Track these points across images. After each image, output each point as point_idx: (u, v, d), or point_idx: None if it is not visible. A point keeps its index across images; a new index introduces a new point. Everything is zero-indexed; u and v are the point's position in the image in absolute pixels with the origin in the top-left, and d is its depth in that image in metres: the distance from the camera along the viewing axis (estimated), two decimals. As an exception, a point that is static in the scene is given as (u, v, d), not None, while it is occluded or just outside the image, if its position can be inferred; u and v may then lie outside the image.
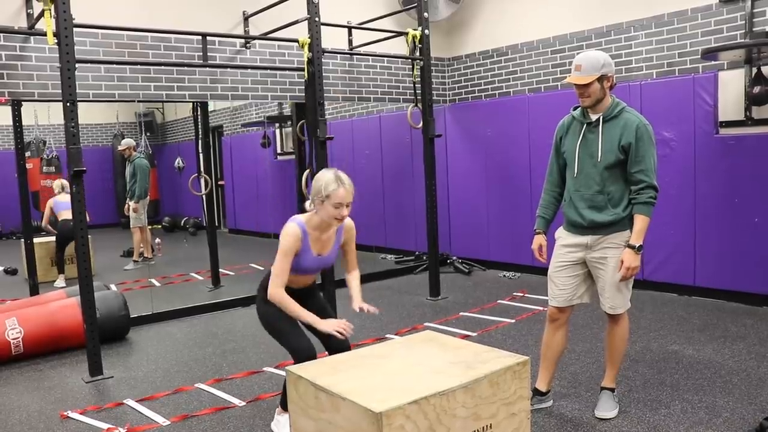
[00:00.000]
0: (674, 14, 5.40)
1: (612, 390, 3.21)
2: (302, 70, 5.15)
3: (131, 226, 7.76)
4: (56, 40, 3.85)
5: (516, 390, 2.31)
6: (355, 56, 6.24)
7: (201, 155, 7.01)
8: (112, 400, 3.67)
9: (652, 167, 2.95)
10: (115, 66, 4.87)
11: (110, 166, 9.82)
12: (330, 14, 5.43)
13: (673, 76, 5.43)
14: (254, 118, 9.13)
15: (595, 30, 5.97)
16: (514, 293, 5.86)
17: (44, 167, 8.69)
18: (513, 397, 2.30)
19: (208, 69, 5.32)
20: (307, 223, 2.83)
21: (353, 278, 3.07)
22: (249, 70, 5.55)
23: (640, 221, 2.95)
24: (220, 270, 6.79)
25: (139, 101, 5.25)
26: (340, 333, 2.73)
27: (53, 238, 7.03)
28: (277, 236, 2.82)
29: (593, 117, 3.05)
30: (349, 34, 6.20)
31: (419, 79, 5.84)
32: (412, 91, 6.02)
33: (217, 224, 7.06)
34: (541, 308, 5.17)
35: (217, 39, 5.40)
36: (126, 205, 7.86)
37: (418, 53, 5.81)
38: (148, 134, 9.24)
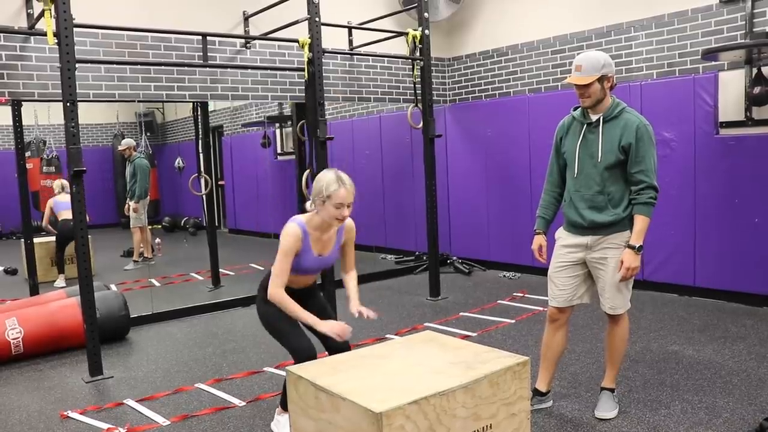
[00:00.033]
0: (674, 15, 5.40)
1: (612, 390, 3.21)
2: (302, 70, 5.15)
3: (131, 226, 7.76)
4: (56, 40, 3.85)
5: (516, 390, 2.31)
6: (355, 56, 6.24)
7: (201, 155, 7.01)
8: (112, 400, 3.68)
9: (653, 167, 2.95)
10: (115, 66, 4.87)
11: (110, 166, 9.83)
12: (330, 14, 5.43)
13: (674, 77, 5.43)
14: (254, 118, 9.13)
15: (596, 30, 5.97)
16: (514, 293, 5.86)
17: (44, 167, 8.69)
18: (513, 398, 2.30)
19: (208, 69, 5.32)
20: (307, 224, 2.82)
21: (350, 279, 3.06)
22: (249, 70, 5.55)
23: (640, 221, 2.95)
24: (220, 270, 6.79)
25: (139, 101, 5.25)
26: (339, 335, 2.74)
27: (53, 238, 7.03)
28: (277, 236, 2.82)
29: (593, 117, 3.05)
30: (350, 34, 6.21)
31: (419, 79, 5.84)
32: (413, 92, 6.02)
33: (217, 224, 7.06)
34: (541, 308, 5.17)
35: (217, 39, 5.40)
36: (126, 205, 7.86)
37: (418, 53, 5.81)
38: (148, 134, 9.25)
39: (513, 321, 4.98)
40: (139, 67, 4.99)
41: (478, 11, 7.01)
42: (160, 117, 9.92)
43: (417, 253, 7.60)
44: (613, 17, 5.82)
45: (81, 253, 4.01)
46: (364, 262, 7.46)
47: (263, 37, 5.47)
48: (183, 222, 9.71)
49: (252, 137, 9.22)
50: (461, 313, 5.29)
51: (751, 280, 5.01)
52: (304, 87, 5.27)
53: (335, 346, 2.83)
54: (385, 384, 2.18)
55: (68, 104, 3.91)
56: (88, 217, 4.06)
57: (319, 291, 3.13)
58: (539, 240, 3.27)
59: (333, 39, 5.79)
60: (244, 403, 3.54)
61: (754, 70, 4.89)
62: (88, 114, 8.04)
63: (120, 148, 7.99)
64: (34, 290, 5.94)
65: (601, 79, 2.94)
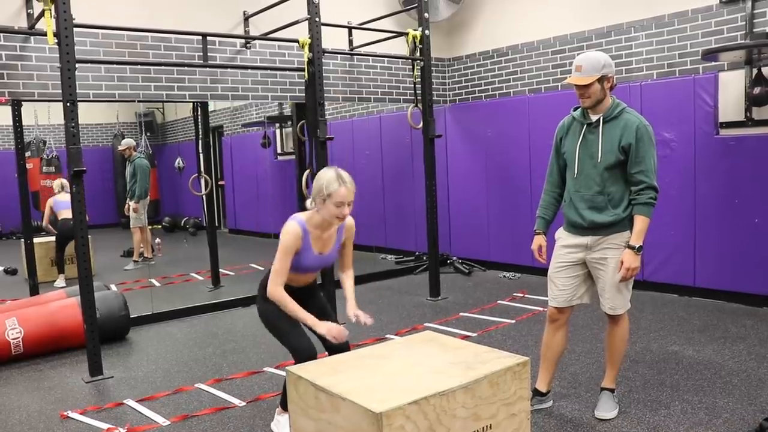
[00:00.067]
0: (675, 15, 5.40)
1: (612, 390, 3.21)
2: (302, 70, 5.15)
3: (131, 226, 7.76)
4: (56, 40, 3.85)
5: (516, 390, 2.31)
6: (355, 56, 6.24)
7: (201, 155, 7.01)
8: (112, 400, 3.67)
9: (652, 168, 2.95)
10: (115, 66, 4.87)
11: (110, 166, 9.83)
12: (330, 14, 5.43)
13: (674, 77, 5.43)
14: (254, 119, 9.13)
15: (596, 30, 5.97)
16: (514, 294, 5.86)
17: (44, 167, 8.69)
18: (513, 398, 2.30)
19: (208, 69, 5.32)
20: (307, 222, 2.82)
21: (348, 278, 3.07)
22: (249, 71, 5.55)
23: (640, 222, 2.95)
24: (220, 270, 6.79)
25: (139, 101, 5.25)
26: (336, 338, 2.75)
27: (53, 238, 7.03)
28: (277, 236, 2.82)
29: (593, 118, 3.05)
30: (350, 34, 6.21)
31: (419, 79, 5.84)
32: (413, 92, 6.02)
33: (217, 224, 7.06)
34: (541, 309, 5.17)
35: (217, 39, 5.40)
36: (126, 205, 7.87)
37: (418, 53, 5.81)
38: (148, 134, 9.25)
39: (513, 321, 4.98)
40: (139, 67, 4.99)
41: (478, 11, 7.01)
42: (160, 117, 9.93)
43: (417, 253, 7.60)
44: (613, 17, 5.82)
45: (81, 253, 4.01)
46: (364, 262, 7.47)
47: (263, 37, 5.47)
48: (183, 222, 9.71)
49: (252, 137, 9.22)
50: (461, 314, 5.29)
51: (751, 281, 5.01)
52: (304, 87, 5.27)
53: (335, 347, 2.83)
54: (385, 384, 2.18)
55: (68, 104, 3.91)
56: (87, 217, 4.06)
57: (319, 290, 3.13)
58: (539, 240, 3.27)
59: (333, 39, 5.79)
60: (244, 403, 3.54)
61: (754, 71, 4.89)
62: (88, 114, 8.05)
63: (120, 148, 7.99)
64: (34, 290, 5.94)
65: (601, 80, 2.94)
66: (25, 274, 6.32)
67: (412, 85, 6.02)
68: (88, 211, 4.06)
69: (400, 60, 6.46)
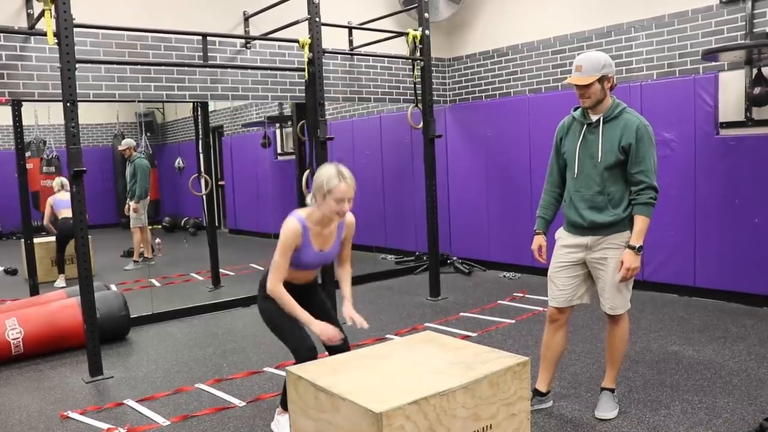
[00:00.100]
0: (675, 15, 5.40)
1: (612, 390, 3.21)
2: (303, 70, 5.15)
3: (131, 226, 7.76)
4: (56, 40, 3.85)
5: (516, 390, 2.31)
6: (355, 56, 6.24)
7: (201, 155, 7.02)
8: (112, 400, 3.67)
9: (653, 168, 2.95)
10: (115, 66, 4.87)
11: (110, 166, 9.84)
12: (330, 14, 5.43)
13: (674, 77, 5.43)
14: (254, 119, 9.13)
15: (596, 30, 5.97)
16: (514, 294, 5.86)
17: (44, 167, 8.70)
18: (513, 398, 2.30)
19: (208, 69, 5.32)
20: (307, 219, 2.82)
21: (345, 275, 3.07)
22: (249, 71, 5.55)
23: (640, 222, 2.95)
24: (220, 270, 6.79)
25: (139, 101, 5.25)
26: (330, 340, 2.75)
27: (53, 238, 7.03)
28: (277, 236, 2.82)
29: (593, 118, 3.05)
30: (350, 34, 6.21)
31: (420, 79, 5.84)
32: (413, 92, 6.02)
33: (217, 224, 7.06)
34: (541, 309, 5.17)
35: (217, 39, 5.40)
36: (126, 205, 7.87)
37: (418, 53, 5.81)
38: (148, 134, 9.26)
39: (513, 321, 4.98)
40: (139, 67, 4.99)
41: (478, 11, 7.01)
42: (160, 117, 9.93)
43: (417, 253, 7.60)
44: (613, 17, 5.82)
45: (81, 253, 4.01)
46: (364, 262, 7.47)
47: (263, 37, 5.47)
48: (183, 222, 9.72)
49: (252, 137, 9.22)
50: (461, 314, 5.29)
51: (751, 281, 5.01)
52: (304, 87, 5.27)
53: (335, 347, 2.83)
54: (385, 384, 2.18)
55: (68, 104, 3.91)
56: (87, 216, 4.06)
57: (320, 289, 3.12)
58: (539, 240, 3.27)
59: (333, 39, 5.79)
60: (244, 404, 3.54)
61: (754, 71, 4.89)
62: (88, 114, 8.04)
63: (120, 148, 7.99)
64: (34, 290, 5.94)
65: (601, 80, 2.94)
66: (25, 274, 6.31)
67: (412, 85, 6.02)
68: (88, 211, 4.06)
69: (400, 60, 6.46)
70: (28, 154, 7.62)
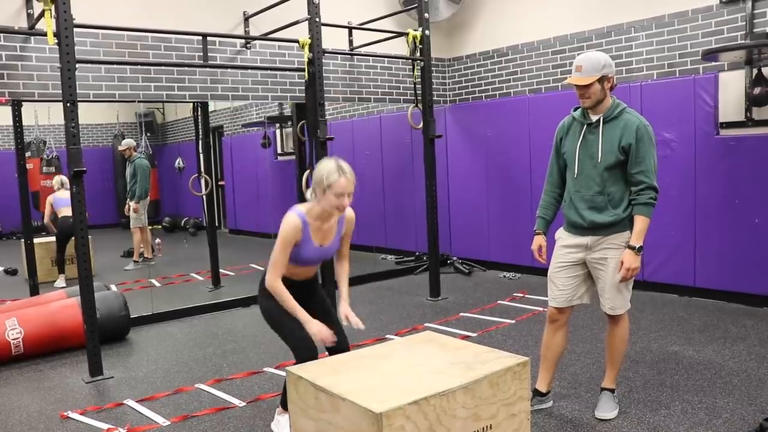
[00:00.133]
0: (675, 15, 5.40)
1: (612, 391, 3.21)
2: (303, 70, 5.15)
3: (131, 227, 7.76)
4: (56, 40, 3.85)
5: (516, 391, 2.31)
6: (355, 57, 6.24)
7: (201, 155, 7.02)
8: (112, 400, 3.67)
9: (653, 168, 2.95)
10: (115, 66, 4.87)
11: (110, 166, 9.84)
12: (330, 14, 5.43)
13: (674, 77, 5.43)
14: (255, 119, 9.14)
15: (596, 31, 5.97)
16: (514, 294, 5.85)
17: (44, 167, 8.70)
18: (513, 398, 2.30)
19: (208, 69, 5.32)
20: (307, 214, 2.82)
21: (343, 272, 3.06)
22: (249, 71, 5.55)
23: (640, 222, 2.95)
24: (220, 270, 6.79)
25: (139, 101, 5.25)
26: (322, 341, 2.75)
27: (53, 238, 7.03)
28: (277, 236, 2.82)
29: (593, 118, 3.05)
30: (350, 34, 6.21)
31: (420, 79, 5.84)
32: (413, 92, 6.02)
33: (217, 224, 7.06)
34: (541, 309, 5.17)
35: (217, 39, 5.40)
36: (126, 206, 7.87)
37: (418, 54, 5.81)
38: (148, 134, 9.26)
39: (513, 321, 4.98)
40: (139, 67, 4.99)
41: (478, 12, 7.01)
42: (160, 117, 9.94)
43: (417, 253, 7.60)
44: (613, 18, 5.82)
45: (81, 253, 4.01)
46: (364, 262, 7.48)
47: (263, 37, 5.47)
48: (183, 222, 9.72)
49: (252, 137, 9.22)
50: (461, 314, 5.29)
51: (751, 281, 5.01)
52: (304, 87, 5.27)
53: (335, 347, 2.83)
54: (385, 384, 2.18)
55: (68, 104, 3.91)
56: (87, 214, 4.06)
57: (321, 288, 3.12)
58: (539, 240, 3.27)
59: (333, 39, 5.79)
60: (244, 404, 3.54)
61: (755, 71, 4.89)
62: (88, 114, 8.05)
63: (120, 148, 7.99)
64: (34, 290, 5.94)
65: (601, 80, 2.94)
66: (26, 274, 6.31)
67: (413, 86, 6.02)
68: (89, 211, 4.06)
69: (400, 60, 6.46)
70: (28, 154, 7.62)
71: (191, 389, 3.80)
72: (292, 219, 2.78)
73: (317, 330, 2.74)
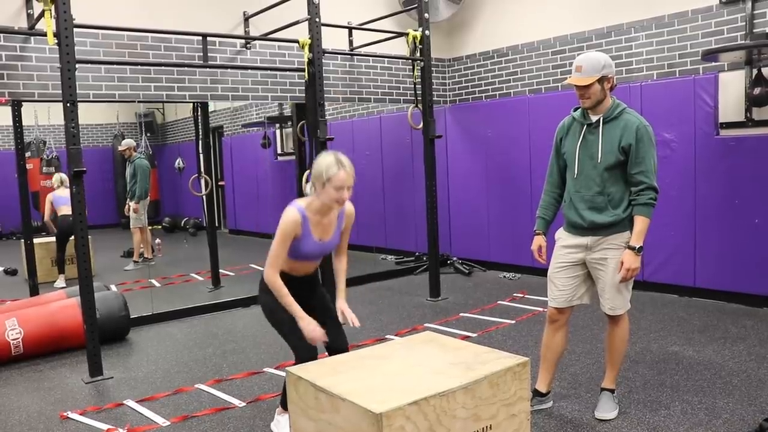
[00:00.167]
0: (675, 15, 5.40)
1: (612, 391, 3.21)
2: (303, 70, 5.15)
3: (131, 227, 7.76)
4: (56, 41, 3.85)
5: (516, 391, 2.31)
6: (355, 57, 6.24)
7: (201, 156, 7.02)
8: (112, 400, 3.67)
9: (652, 168, 2.95)
10: (115, 66, 4.87)
11: (110, 166, 9.84)
12: (330, 15, 5.43)
13: (674, 78, 5.43)
14: (254, 119, 9.14)
15: (596, 31, 5.97)
16: (514, 294, 5.85)
17: (44, 167, 8.70)
18: (513, 398, 2.30)
19: (208, 69, 5.32)
20: (307, 208, 2.81)
21: (341, 267, 3.06)
22: (249, 71, 5.55)
23: (640, 222, 2.95)
24: (220, 270, 6.79)
25: (139, 102, 5.25)
26: (312, 340, 2.75)
27: (53, 238, 7.02)
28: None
29: (593, 118, 3.05)
30: (350, 34, 6.21)
31: (420, 79, 5.84)
32: (413, 92, 6.02)
33: (217, 225, 7.06)
34: (541, 309, 5.17)
35: (217, 39, 5.40)
36: (126, 206, 7.87)
37: (418, 54, 5.81)
38: (148, 135, 9.26)
39: (513, 322, 4.97)
40: (139, 67, 4.99)
41: (478, 12, 7.01)
42: (160, 117, 9.94)
43: (417, 253, 7.60)
44: (613, 18, 5.82)
45: (81, 253, 4.01)
46: (364, 263, 7.47)
47: (263, 37, 5.47)
48: (183, 222, 9.72)
49: (252, 138, 9.22)
50: (461, 314, 5.29)
51: (751, 281, 5.01)
52: (304, 87, 5.27)
53: (335, 347, 2.83)
54: (385, 385, 2.18)
55: (68, 105, 3.91)
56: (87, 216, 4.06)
57: (321, 285, 3.11)
58: (539, 241, 3.27)
59: (333, 39, 5.79)
60: (244, 404, 3.54)
61: (754, 71, 4.89)
62: (88, 114, 8.05)
63: (120, 148, 7.99)
64: (34, 291, 5.94)
65: (601, 80, 2.94)
66: (25, 274, 6.31)
67: (413, 86, 6.02)
68: (88, 211, 4.06)
69: (400, 60, 6.46)
70: (28, 154, 7.62)
71: (191, 389, 3.80)
72: (291, 213, 2.78)
73: (309, 329, 2.74)
